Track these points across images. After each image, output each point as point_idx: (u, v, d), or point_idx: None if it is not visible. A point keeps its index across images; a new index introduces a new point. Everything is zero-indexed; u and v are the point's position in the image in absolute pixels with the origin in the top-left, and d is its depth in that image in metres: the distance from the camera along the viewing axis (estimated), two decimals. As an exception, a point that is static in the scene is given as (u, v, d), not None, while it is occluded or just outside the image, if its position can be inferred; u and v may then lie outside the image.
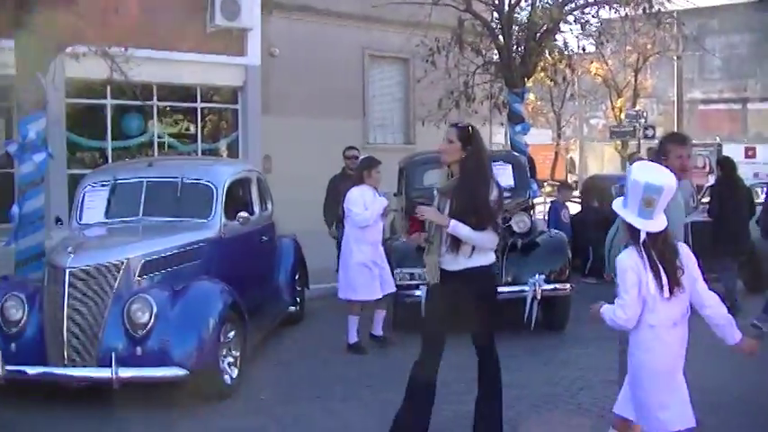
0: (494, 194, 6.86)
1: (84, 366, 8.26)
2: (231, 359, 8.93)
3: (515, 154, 15.97)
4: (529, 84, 20.23)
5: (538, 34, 18.93)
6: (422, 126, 22.64)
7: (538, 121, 51.55)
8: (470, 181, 6.84)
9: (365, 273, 10.61)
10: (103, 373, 8.07)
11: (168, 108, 22.54)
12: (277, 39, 23.16)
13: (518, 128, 18.92)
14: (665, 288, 5.55)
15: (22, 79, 12.28)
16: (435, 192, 7.27)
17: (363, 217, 10.54)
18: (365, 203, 10.60)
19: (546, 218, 17.73)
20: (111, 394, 8.18)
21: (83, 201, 10.58)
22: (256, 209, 11.45)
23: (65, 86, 17.52)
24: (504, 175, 13.24)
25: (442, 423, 7.90)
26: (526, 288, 10.91)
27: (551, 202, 18.17)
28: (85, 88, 19.68)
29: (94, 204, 10.50)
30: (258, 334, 10.13)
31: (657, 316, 5.57)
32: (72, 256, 8.45)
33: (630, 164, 7.99)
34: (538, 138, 44.46)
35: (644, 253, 5.59)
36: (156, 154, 21.13)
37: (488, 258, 6.99)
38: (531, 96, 37.75)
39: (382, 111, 26.43)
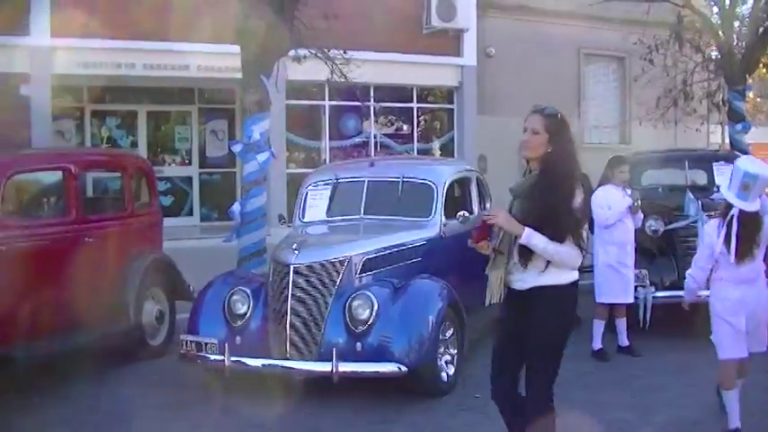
0: (578, 200, 5.60)
1: (305, 360, 8.46)
2: (448, 357, 8.96)
3: (737, 153, 15.46)
4: (749, 80, 19.54)
5: (761, 29, 18.28)
6: (639, 125, 22.27)
7: (757, 118, 49.88)
8: (551, 180, 5.63)
9: (610, 274, 10.29)
10: (324, 366, 8.23)
11: (384, 108, 22.85)
12: (493, 39, 23.21)
13: (738, 126, 18.34)
14: (733, 254, 7.06)
15: (248, 82, 12.68)
16: (510, 192, 6.06)
17: (604, 216, 10.21)
18: (609, 203, 10.29)
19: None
20: (329, 388, 8.37)
21: (305, 199, 10.84)
22: (476, 208, 11.42)
23: (285, 88, 18.03)
24: (727, 175, 12.83)
25: (654, 427, 7.78)
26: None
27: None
28: (304, 90, 20.26)
29: (316, 203, 10.74)
30: (475, 332, 10.13)
31: (724, 273, 7.24)
32: (296, 253, 8.67)
33: None
34: (757, 136, 42.94)
35: (725, 225, 7.13)
36: (372, 153, 21.54)
37: (568, 275, 5.73)
38: (751, 94, 36.55)
39: (598, 110, 26.11)
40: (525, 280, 5.71)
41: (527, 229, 5.52)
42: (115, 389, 9.19)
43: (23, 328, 8.52)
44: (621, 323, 10.55)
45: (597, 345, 10.47)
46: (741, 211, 7.04)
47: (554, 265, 5.60)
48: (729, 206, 7.12)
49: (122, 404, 8.37)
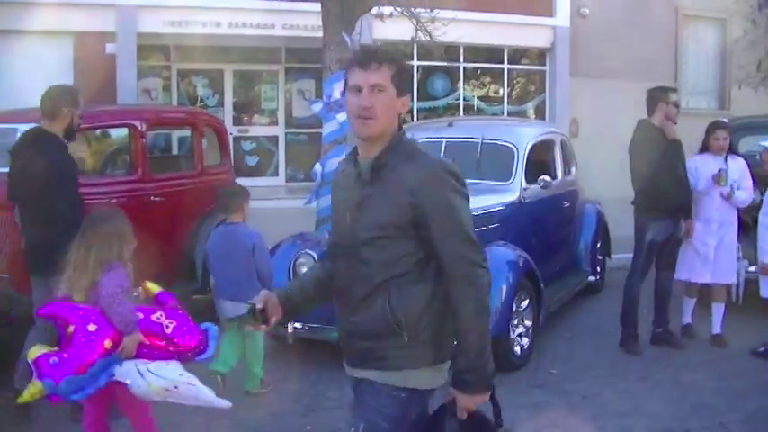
0: None
1: (372, 329, 8.08)
2: (522, 329, 8.54)
3: None
4: None
5: None
6: (738, 90, 21.45)
7: None
8: None
9: (688, 251, 9.44)
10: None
11: (475, 69, 22.46)
12: (587, -2, 22.54)
13: None
14: None
15: (329, 39, 12.38)
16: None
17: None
18: (700, 173, 9.31)
19: None
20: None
21: (381, 160, 10.47)
22: (559, 173, 10.93)
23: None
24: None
25: (742, 415, 7.28)
26: None
27: None
28: (392, 50, 19.89)
29: (393, 164, 10.37)
30: (553, 304, 9.68)
31: None
32: (362, 216, 8.30)
33: None
34: None
35: None
36: (461, 115, 21.17)
37: None
38: None
39: (696, 74, 25.20)
40: None
41: None
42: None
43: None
44: (715, 308, 9.55)
45: (686, 319, 9.77)
46: None
47: None
48: None
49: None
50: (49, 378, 4.99)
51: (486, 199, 9.36)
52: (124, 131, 9.50)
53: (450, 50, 19.70)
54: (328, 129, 12.22)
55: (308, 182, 18.15)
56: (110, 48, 18.36)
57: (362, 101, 3.59)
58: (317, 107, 12.54)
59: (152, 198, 9.37)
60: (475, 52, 21.88)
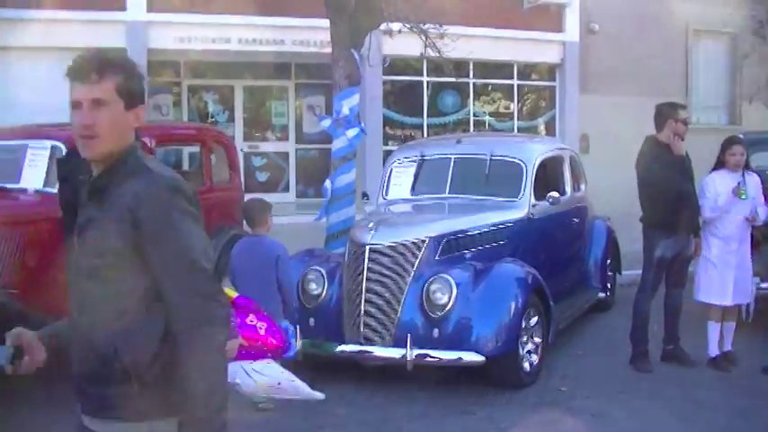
0: None
1: (379, 345, 8.11)
2: (532, 346, 8.48)
3: None
4: None
5: None
6: (748, 104, 21.40)
7: None
8: None
9: (708, 270, 9.14)
10: (398, 353, 7.89)
11: (485, 85, 22.47)
12: (596, 14, 22.48)
13: None
14: None
15: (338, 55, 12.38)
16: None
17: (704, 207, 9.02)
18: (719, 191, 8.99)
19: None
20: (403, 375, 8.02)
21: (390, 176, 10.55)
22: (568, 189, 10.89)
23: (382, 64, 17.69)
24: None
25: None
26: None
27: None
28: (403, 66, 19.90)
29: (401, 180, 10.43)
30: (563, 321, 9.63)
31: None
32: (373, 232, 8.32)
33: None
34: None
35: None
36: (471, 131, 21.19)
37: None
38: None
39: (706, 89, 25.13)
40: None
41: None
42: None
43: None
44: (727, 327, 9.30)
45: (712, 351, 9.19)
46: None
47: None
48: None
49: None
50: None
51: (495, 215, 9.39)
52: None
53: (460, 66, 19.68)
54: (338, 145, 12.27)
55: (319, 198, 18.18)
56: (120, 64, 18.41)
57: (83, 119, 3.09)
58: (326, 123, 12.59)
59: (161, 214, 9.38)
60: (484, 68, 21.87)
